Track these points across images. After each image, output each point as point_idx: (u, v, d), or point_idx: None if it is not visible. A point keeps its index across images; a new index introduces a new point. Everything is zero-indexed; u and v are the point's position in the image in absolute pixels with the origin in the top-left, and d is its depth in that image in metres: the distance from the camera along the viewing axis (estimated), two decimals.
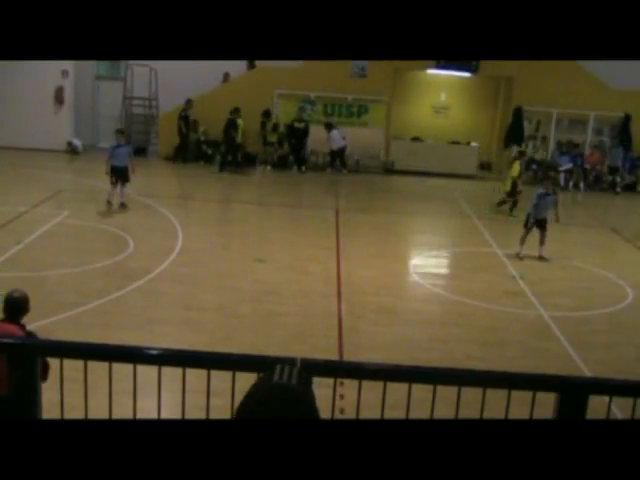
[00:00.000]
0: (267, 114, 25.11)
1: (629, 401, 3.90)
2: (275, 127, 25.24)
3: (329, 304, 12.17)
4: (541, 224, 15.57)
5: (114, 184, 17.59)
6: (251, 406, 2.41)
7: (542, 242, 15.59)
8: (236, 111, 24.16)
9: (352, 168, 25.35)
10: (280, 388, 2.45)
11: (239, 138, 24.23)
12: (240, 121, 24.27)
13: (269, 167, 25.03)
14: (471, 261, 15.60)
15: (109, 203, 17.54)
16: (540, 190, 15.68)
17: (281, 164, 25.14)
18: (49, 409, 3.78)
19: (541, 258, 15.56)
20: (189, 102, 24.82)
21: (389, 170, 25.67)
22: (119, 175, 17.60)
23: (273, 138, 25.25)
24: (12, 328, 6.64)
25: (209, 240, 15.63)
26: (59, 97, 25.33)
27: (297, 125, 24.94)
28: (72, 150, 25.36)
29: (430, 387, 3.64)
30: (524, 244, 15.56)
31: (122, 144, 17.88)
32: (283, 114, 25.48)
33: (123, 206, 17.71)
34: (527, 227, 15.59)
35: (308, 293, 12.72)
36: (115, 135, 18.45)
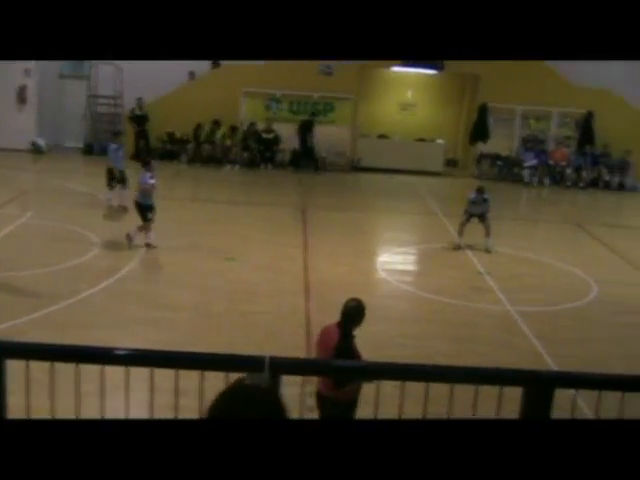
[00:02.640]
0: (217, 123, 25.12)
1: (595, 394, 3.96)
2: (233, 130, 25.15)
3: (299, 302, 12.17)
4: (480, 218, 16.00)
5: (113, 187, 17.47)
6: (220, 407, 2.42)
7: (486, 234, 15.93)
8: (314, 114, 25.08)
9: (319, 166, 25.33)
10: (250, 390, 2.45)
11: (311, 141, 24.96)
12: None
13: (237, 166, 24.94)
14: (439, 258, 15.69)
15: (121, 207, 17.37)
16: (472, 196, 16.17)
17: (250, 163, 25.09)
18: (15, 413, 3.74)
19: (486, 250, 15.82)
20: (139, 100, 24.74)
21: (356, 168, 25.70)
22: (120, 178, 17.47)
23: (228, 141, 25.21)
24: (332, 332, 6.83)
25: (178, 238, 15.53)
26: (22, 96, 25.03)
27: (265, 136, 25.05)
28: (36, 150, 25.06)
29: (398, 383, 3.67)
30: (462, 235, 15.98)
31: (120, 146, 17.90)
32: (250, 113, 25.44)
33: (124, 209, 17.25)
34: (462, 221, 16.08)
35: (278, 291, 12.71)
36: (115, 138, 18.65)
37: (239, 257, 14.41)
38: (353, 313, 6.91)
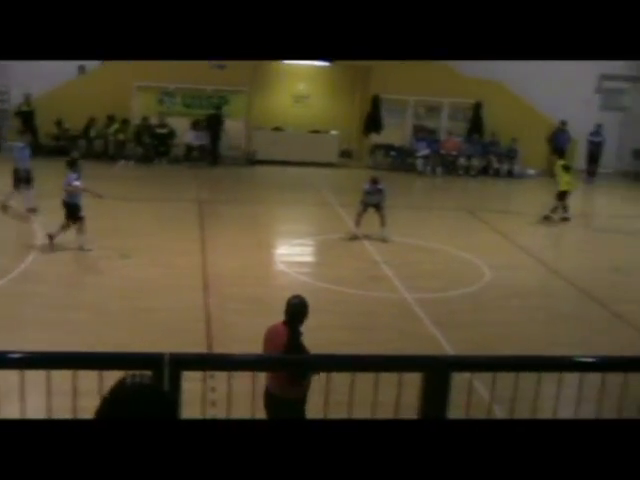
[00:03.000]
0: (111, 118, 24.62)
1: (490, 376, 4.08)
2: (124, 123, 24.68)
3: (197, 297, 12.09)
4: (376, 208, 16.15)
5: (18, 187, 16.65)
6: (106, 408, 2.41)
7: (382, 224, 16.13)
8: (219, 107, 24.75)
9: (214, 160, 25.11)
10: (133, 388, 2.44)
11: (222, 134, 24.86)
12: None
13: (131, 162, 24.48)
14: (336, 248, 15.83)
15: (5, 207, 16.66)
16: (366, 186, 16.31)
17: (144, 159, 24.66)
18: None
19: (382, 240, 16.03)
20: (26, 96, 23.96)
21: (251, 161, 25.60)
22: (25, 178, 16.67)
23: (121, 136, 24.73)
24: (281, 331, 6.81)
25: (71, 237, 15.14)
26: None
27: (159, 131, 24.70)
28: None
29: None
30: (359, 225, 16.13)
31: (25, 145, 17.17)
32: (143, 107, 25.02)
33: (33, 211, 16.51)
34: (358, 212, 16.21)
35: (176, 287, 12.58)
36: (20, 136, 17.98)
37: (134, 254, 14.18)
38: (297, 310, 6.97)
